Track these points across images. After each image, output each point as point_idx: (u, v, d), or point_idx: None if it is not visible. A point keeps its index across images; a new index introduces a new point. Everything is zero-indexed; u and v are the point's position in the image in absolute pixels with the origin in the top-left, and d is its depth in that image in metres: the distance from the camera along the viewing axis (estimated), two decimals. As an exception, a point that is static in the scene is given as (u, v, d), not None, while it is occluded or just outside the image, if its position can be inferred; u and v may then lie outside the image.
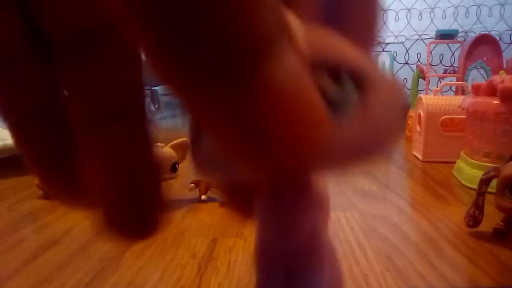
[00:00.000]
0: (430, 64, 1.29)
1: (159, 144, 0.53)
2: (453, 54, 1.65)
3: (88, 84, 0.10)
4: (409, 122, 1.10)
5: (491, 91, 0.67)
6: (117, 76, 0.11)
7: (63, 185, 0.12)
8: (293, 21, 0.07)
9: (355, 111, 0.08)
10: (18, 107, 0.11)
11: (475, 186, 0.48)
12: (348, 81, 0.08)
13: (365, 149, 0.08)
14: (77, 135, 0.11)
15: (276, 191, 0.10)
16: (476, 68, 1.21)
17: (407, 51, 1.69)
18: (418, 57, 1.68)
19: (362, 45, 0.08)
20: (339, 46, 0.08)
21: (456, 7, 1.64)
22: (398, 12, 1.68)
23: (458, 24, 1.63)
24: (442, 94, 1.02)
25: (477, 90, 0.72)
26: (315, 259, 0.11)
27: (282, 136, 0.07)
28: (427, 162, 0.85)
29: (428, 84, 1.24)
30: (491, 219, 0.48)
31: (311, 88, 0.07)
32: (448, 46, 1.63)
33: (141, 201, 0.11)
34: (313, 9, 0.08)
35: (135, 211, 0.11)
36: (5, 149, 0.73)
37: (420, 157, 0.87)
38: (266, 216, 0.10)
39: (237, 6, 0.06)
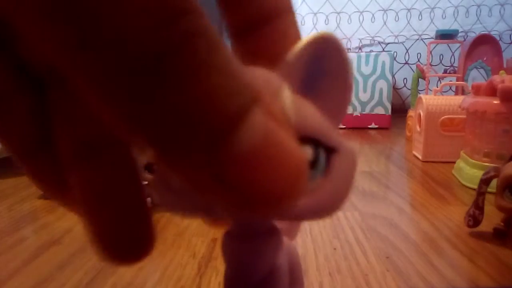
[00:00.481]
0: (430, 64, 1.29)
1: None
2: (453, 54, 1.65)
3: (70, 116, 0.10)
4: (409, 122, 1.10)
5: (491, 91, 0.67)
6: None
7: (59, 196, 0.12)
8: (286, 91, 0.09)
9: (322, 176, 0.09)
10: (12, 140, 0.11)
11: (475, 186, 0.48)
12: (321, 150, 0.09)
13: (324, 207, 0.10)
14: (66, 169, 0.11)
15: (238, 236, 0.11)
16: (476, 68, 1.21)
17: (407, 51, 1.69)
18: (418, 57, 1.68)
19: (332, 115, 0.10)
20: (317, 118, 0.09)
21: (456, 7, 1.64)
22: (398, 12, 1.68)
23: (458, 24, 1.63)
24: (442, 94, 1.02)
25: (477, 90, 0.72)
26: (278, 283, 0.12)
27: (260, 191, 0.07)
28: (427, 162, 0.85)
29: (428, 84, 1.24)
30: (491, 219, 0.48)
31: (288, 144, 0.08)
32: (448, 46, 1.63)
33: (131, 231, 0.11)
34: (294, 81, 0.09)
35: (125, 241, 0.11)
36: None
37: (420, 157, 0.87)
38: (229, 257, 0.11)
39: (202, 97, 0.06)
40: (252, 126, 0.07)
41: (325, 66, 0.10)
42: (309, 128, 0.09)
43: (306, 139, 0.09)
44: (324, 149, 0.09)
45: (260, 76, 0.09)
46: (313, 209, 0.09)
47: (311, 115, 0.09)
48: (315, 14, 1.71)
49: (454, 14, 1.65)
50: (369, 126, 1.38)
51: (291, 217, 0.10)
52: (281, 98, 0.09)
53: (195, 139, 0.07)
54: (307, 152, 0.09)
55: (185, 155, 0.07)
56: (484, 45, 1.19)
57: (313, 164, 0.09)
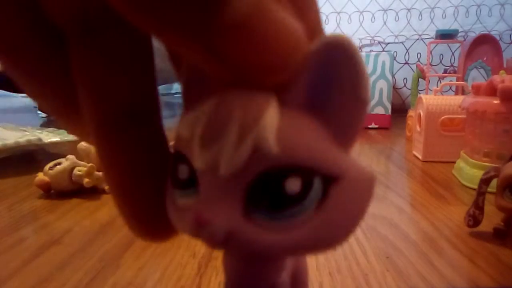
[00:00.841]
0: (430, 64, 1.29)
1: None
2: (453, 54, 1.65)
3: (96, 80, 0.10)
4: (409, 122, 1.10)
5: (491, 91, 0.67)
6: (124, 69, 0.10)
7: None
8: (270, 113, 0.08)
9: (315, 207, 0.08)
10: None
11: (475, 186, 0.48)
12: (316, 179, 0.08)
13: (321, 240, 0.09)
14: (92, 134, 0.10)
15: (240, 257, 0.10)
16: (476, 68, 1.21)
17: (407, 51, 1.69)
18: (418, 57, 1.68)
19: (343, 132, 0.09)
20: (310, 143, 0.08)
21: (456, 7, 1.64)
22: (398, 12, 1.68)
23: (458, 24, 1.63)
24: (442, 94, 1.02)
25: (477, 90, 0.72)
26: None
27: (252, 62, 0.07)
28: (427, 162, 0.85)
29: (428, 84, 1.24)
30: (491, 219, 0.48)
31: (280, 16, 0.07)
32: (448, 46, 1.63)
33: (158, 202, 0.11)
34: (299, 92, 0.09)
35: (151, 213, 0.11)
36: (5, 149, 0.73)
37: (420, 157, 0.87)
38: (229, 274, 0.11)
39: None
40: None
41: (333, 74, 0.08)
42: (298, 157, 0.08)
43: (292, 169, 0.08)
44: (321, 178, 0.08)
45: (244, 100, 0.08)
46: (307, 243, 0.09)
47: (305, 141, 0.08)
48: (315, 14, 1.70)
49: (454, 14, 1.65)
50: (369, 126, 1.38)
51: (284, 253, 0.09)
52: (260, 126, 0.08)
53: (189, 10, 0.07)
54: (293, 184, 0.08)
55: (181, 28, 0.07)
56: (484, 45, 1.19)
57: (302, 195, 0.08)
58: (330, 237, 0.09)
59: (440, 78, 1.36)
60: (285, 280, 0.12)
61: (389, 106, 1.38)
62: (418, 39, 1.68)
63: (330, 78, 0.08)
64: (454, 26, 1.60)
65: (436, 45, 1.56)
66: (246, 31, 0.07)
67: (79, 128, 0.12)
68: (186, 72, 0.10)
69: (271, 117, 0.08)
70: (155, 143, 0.11)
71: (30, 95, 0.11)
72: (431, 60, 1.40)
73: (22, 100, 1.75)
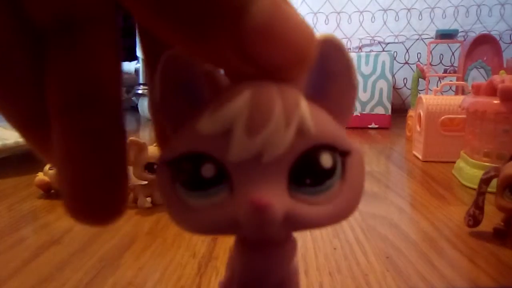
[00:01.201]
0: (430, 64, 1.29)
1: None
2: (453, 54, 1.65)
3: (65, 70, 0.11)
4: (409, 122, 1.10)
5: (491, 91, 0.67)
6: (89, 63, 0.11)
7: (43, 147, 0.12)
8: (303, 102, 0.09)
9: (340, 181, 0.10)
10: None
11: (475, 186, 0.48)
12: (337, 156, 0.10)
13: (343, 211, 0.10)
14: (51, 118, 0.11)
15: (252, 244, 0.11)
16: (476, 68, 1.21)
17: (407, 51, 1.69)
18: (418, 57, 1.68)
19: (339, 116, 0.10)
20: (331, 124, 0.10)
21: (456, 7, 1.64)
22: (398, 12, 1.68)
23: (458, 24, 1.63)
24: (442, 94, 1.02)
25: (477, 90, 0.72)
26: None
27: (274, 58, 0.08)
28: (427, 162, 0.85)
29: (428, 84, 1.24)
30: (491, 219, 0.48)
31: (295, 17, 0.09)
32: (448, 46, 1.63)
33: (106, 187, 0.11)
34: (301, 85, 0.10)
35: (97, 196, 0.11)
36: (5, 149, 0.73)
37: (420, 157, 0.87)
38: (241, 265, 0.11)
39: None
40: (261, 3, 0.08)
41: (329, 67, 0.10)
42: (327, 136, 0.10)
43: (325, 146, 0.10)
44: (339, 154, 0.10)
45: (277, 89, 0.09)
46: (333, 215, 0.10)
47: (326, 122, 0.10)
48: (315, 14, 1.70)
49: (454, 14, 1.65)
50: (369, 126, 1.38)
51: (312, 226, 0.10)
52: (300, 110, 0.09)
53: (219, 18, 0.08)
54: (327, 160, 0.09)
55: (212, 35, 0.08)
56: (484, 45, 1.19)
57: (332, 171, 0.10)
58: (353, 204, 0.10)
59: (440, 78, 1.36)
60: (296, 268, 0.12)
61: (389, 106, 1.38)
62: (418, 39, 1.68)
63: (326, 71, 0.10)
64: (454, 26, 1.60)
65: (436, 45, 1.56)
66: (269, 29, 0.08)
67: (40, 142, 0.12)
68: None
69: (304, 103, 0.09)
70: (113, 128, 0.11)
71: None
72: (431, 60, 1.40)
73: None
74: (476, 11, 1.63)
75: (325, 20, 1.71)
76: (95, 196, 0.11)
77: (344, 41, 1.38)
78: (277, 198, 0.09)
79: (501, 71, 0.87)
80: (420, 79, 1.28)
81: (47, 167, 0.63)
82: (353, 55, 1.38)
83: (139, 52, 1.31)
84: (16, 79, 0.11)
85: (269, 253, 0.11)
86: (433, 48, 1.56)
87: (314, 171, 0.09)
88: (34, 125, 0.12)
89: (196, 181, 0.10)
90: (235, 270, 0.11)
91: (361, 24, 1.70)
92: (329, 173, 0.10)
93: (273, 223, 0.09)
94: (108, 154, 0.11)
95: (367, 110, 1.38)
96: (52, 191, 0.63)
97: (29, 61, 0.11)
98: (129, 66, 1.64)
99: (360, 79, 1.37)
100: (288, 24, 0.08)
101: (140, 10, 0.08)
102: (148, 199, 0.58)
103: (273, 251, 0.11)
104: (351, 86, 0.11)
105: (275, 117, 0.09)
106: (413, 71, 1.45)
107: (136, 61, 1.63)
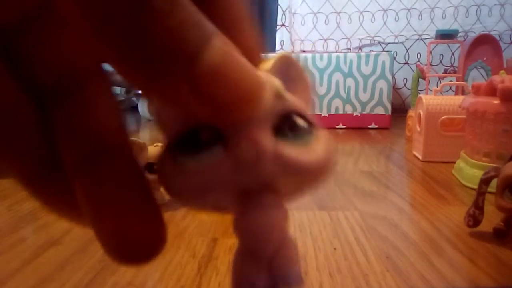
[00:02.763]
0: (430, 64, 1.29)
1: (160, 144, 0.53)
2: (453, 54, 1.65)
3: (74, 128, 0.11)
4: (409, 122, 1.10)
5: (491, 91, 0.67)
6: (97, 117, 0.11)
7: (60, 207, 0.13)
8: (280, 84, 0.12)
9: (313, 139, 0.12)
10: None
11: (475, 186, 0.48)
12: (306, 123, 0.12)
13: (322, 162, 0.12)
14: (70, 179, 0.11)
15: (250, 211, 0.12)
16: (476, 68, 1.21)
17: (407, 51, 1.69)
18: (418, 57, 1.68)
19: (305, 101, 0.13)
20: (300, 102, 0.13)
21: (456, 7, 1.64)
22: (398, 12, 1.68)
23: (458, 24, 1.63)
24: (442, 94, 1.02)
25: (477, 90, 0.72)
26: (290, 253, 0.13)
27: (226, 99, 0.09)
28: (427, 162, 0.85)
29: (428, 84, 1.24)
30: (491, 219, 0.48)
31: (244, 64, 0.10)
32: (448, 46, 1.63)
33: (142, 230, 0.11)
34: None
35: (137, 241, 0.11)
36: (5, 149, 0.73)
37: (420, 157, 0.87)
38: (243, 232, 0.12)
39: (166, 35, 0.09)
40: (213, 49, 0.09)
41: (288, 75, 0.13)
42: (298, 106, 0.12)
43: (297, 114, 0.12)
44: (308, 123, 0.12)
45: (264, 75, 0.12)
46: (315, 164, 0.12)
47: (296, 99, 0.12)
48: (315, 14, 1.71)
49: (454, 14, 1.65)
50: (369, 126, 1.38)
51: (299, 167, 0.11)
52: (276, 82, 0.12)
53: (174, 62, 0.09)
54: (301, 122, 0.12)
55: (169, 76, 0.09)
56: (484, 45, 1.19)
57: (308, 130, 0.12)
58: (328, 160, 0.12)
59: (440, 78, 1.36)
60: (293, 239, 0.13)
61: (389, 106, 1.38)
62: (418, 39, 1.68)
63: (288, 78, 0.13)
64: (454, 26, 1.60)
65: (436, 45, 1.57)
66: (221, 72, 0.09)
67: (51, 200, 0.13)
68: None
69: (278, 82, 0.12)
70: (130, 171, 0.12)
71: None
72: (431, 60, 1.40)
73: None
74: (476, 11, 1.63)
75: (325, 20, 1.71)
76: (139, 243, 0.11)
77: (344, 41, 1.37)
78: (267, 140, 0.11)
79: (501, 71, 0.87)
80: (420, 79, 1.28)
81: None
82: (353, 55, 1.38)
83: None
84: (21, 138, 0.11)
85: (268, 213, 0.12)
86: (433, 48, 1.56)
87: (292, 126, 0.12)
88: (42, 182, 0.12)
89: (196, 144, 0.11)
90: (240, 237, 0.13)
91: (361, 24, 1.70)
92: (304, 130, 0.12)
93: (266, 158, 0.11)
94: (137, 198, 0.12)
95: (367, 110, 1.38)
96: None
97: (33, 120, 0.11)
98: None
99: (360, 79, 1.37)
100: (238, 68, 0.10)
101: (108, 52, 0.09)
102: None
103: (270, 211, 0.12)
104: (307, 85, 0.14)
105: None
106: (413, 71, 1.45)
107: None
